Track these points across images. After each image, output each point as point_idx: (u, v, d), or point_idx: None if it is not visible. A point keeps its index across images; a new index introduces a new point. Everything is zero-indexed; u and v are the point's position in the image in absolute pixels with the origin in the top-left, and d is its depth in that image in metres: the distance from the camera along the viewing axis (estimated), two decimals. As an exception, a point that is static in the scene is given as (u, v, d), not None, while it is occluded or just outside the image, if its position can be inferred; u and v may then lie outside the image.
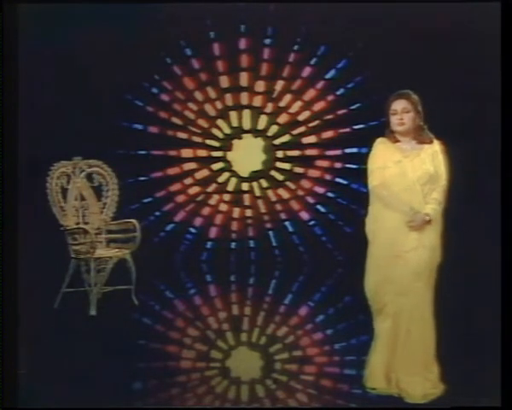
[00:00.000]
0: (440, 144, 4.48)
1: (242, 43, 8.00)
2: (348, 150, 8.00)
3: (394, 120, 4.44)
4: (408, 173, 4.40)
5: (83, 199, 6.65)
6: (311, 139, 8.14)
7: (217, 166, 8.23)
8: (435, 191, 4.40)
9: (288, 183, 8.23)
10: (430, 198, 4.38)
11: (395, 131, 4.46)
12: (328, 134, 8.10)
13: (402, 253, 4.38)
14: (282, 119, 8.16)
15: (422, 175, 4.39)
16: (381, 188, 4.42)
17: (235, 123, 8.19)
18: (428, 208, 4.37)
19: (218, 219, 8.27)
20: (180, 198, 8.22)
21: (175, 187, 8.20)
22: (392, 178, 4.40)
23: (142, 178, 8.07)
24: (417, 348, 4.41)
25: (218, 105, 8.15)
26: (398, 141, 4.47)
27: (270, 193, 8.26)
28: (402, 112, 4.42)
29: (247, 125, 8.20)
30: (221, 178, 8.25)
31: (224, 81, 8.10)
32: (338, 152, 8.09)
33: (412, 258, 4.36)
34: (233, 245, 8.24)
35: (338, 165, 8.11)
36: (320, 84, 8.05)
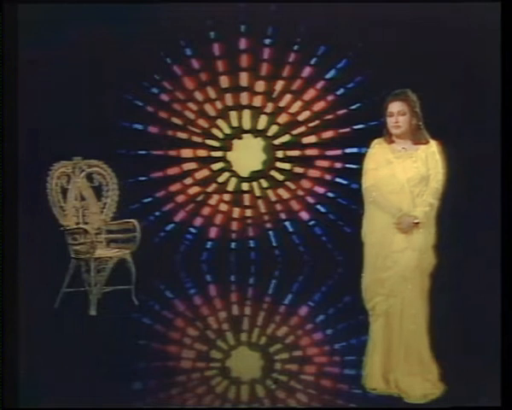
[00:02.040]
0: (437, 145, 4.45)
1: (242, 44, 7.99)
2: (348, 150, 7.99)
3: (390, 122, 4.42)
4: (398, 175, 4.38)
5: (83, 199, 6.65)
6: (311, 139, 8.13)
7: (217, 166, 8.23)
8: (427, 193, 4.36)
9: (288, 183, 8.22)
10: (421, 200, 4.35)
11: (391, 133, 4.46)
12: (328, 134, 8.09)
13: (390, 254, 4.37)
14: (282, 119, 8.14)
15: (413, 176, 4.37)
16: (373, 189, 4.41)
17: (235, 123, 8.18)
18: (418, 211, 4.34)
19: (218, 219, 8.26)
20: (180, 198, 8.21)
21: (175, 187, 8.19)
22: (382, 179, 4.39)
23: (142, 178, 8.06)
24: (411, 349, 4.41)
25: (218, 105, 8.14)
26: (393, 142, 4.46)
27: (270, 193, 8.26)
28: (398, 114, 4.40)
29: (247, 125, 8.19)
30: (221, 178, 8.24)
31: (224, 81, 8.09)
32: (338, 152, 8.08)
33: (400, 260, 4.36)
34: (233, 245, 8.23)
35: (338, 165, 8.10)
36: (320, 84, 8.04)
